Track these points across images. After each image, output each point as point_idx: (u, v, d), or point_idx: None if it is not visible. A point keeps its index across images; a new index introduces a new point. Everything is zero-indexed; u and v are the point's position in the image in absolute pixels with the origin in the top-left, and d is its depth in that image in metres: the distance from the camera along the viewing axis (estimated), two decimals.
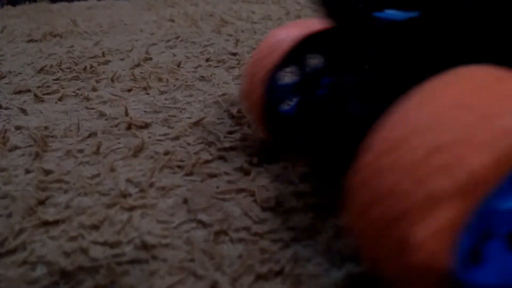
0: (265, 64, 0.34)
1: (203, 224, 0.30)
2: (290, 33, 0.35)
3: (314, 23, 0.35)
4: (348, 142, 0.26)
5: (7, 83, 0.59)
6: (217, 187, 0.35)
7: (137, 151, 0.39)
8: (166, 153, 0.39)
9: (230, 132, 0.44)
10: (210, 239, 0.28)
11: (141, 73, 0.62)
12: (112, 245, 0.28)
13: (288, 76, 0.38)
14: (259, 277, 0.25)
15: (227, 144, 0.41)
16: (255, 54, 0.36)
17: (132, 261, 0.27)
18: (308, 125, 0.31)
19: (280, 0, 1.30)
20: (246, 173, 0.37)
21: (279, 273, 0.26)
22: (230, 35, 0.87)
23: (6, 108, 0.50)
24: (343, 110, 0.28)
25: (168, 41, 0.82)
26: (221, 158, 0.39)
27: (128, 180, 0.35)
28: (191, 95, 0.53)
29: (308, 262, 0.26)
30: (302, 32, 0.34)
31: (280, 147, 0.38)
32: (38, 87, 0.57)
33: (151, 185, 0.34)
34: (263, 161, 0.38)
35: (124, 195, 0.33)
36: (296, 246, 0.28)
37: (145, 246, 0.28)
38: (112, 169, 0.36)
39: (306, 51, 0.34)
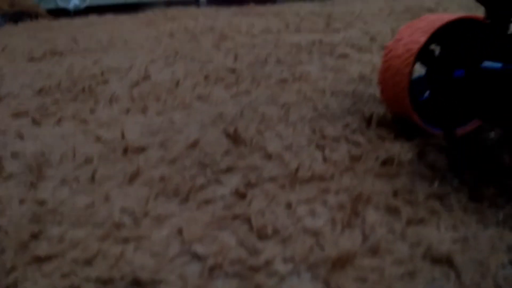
0: (405, 57, 0.42)
1: (197, 257, 0.29)
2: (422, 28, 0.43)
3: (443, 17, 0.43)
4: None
5: (5, 106, 0.59)
6: (213, 214, 0.34)
7: (133, 177, 0.39)
8: (162, 178, 0.39)
9: (226, 153, 0.43)
10: (204, 274, 0.28)
11: (139, 92, 0.62)
12: (105, 282, 0.27)
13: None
14: None
15: (223, 166, 0.41)
16: (392, 49, 0.44)
17: None
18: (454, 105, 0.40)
19: (280, 13, 1.30)
20: (242, 196, 0.36)
21: None
22: (230, 50, 0.87)
23: (4, 133, 0.50)
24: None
25: (167, 57, 0.82)
26: (217, 181, 0.39)
27: (123, 210, 0.34)
28: (188, 115, 0.53)
29: None
30: (431, 28, 0.42)
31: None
32: (36, 109, 0.57)
33: (146, 214, 0.34)
34: (260, 180, 0.38)
35: (118, 226, 0.32)
36: (293, 280, 0.27)
37: (138, 283, 0.27)
38: (107, 198, 0.36)
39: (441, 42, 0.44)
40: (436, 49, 0.44)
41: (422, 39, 0.41)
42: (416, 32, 0.42)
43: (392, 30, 0.99)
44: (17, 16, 1.48)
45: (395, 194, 0.35)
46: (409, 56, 0.42)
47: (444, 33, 0.42)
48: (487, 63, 0.35)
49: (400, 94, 0.43)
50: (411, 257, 0.29)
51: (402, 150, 0.42)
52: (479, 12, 0.41)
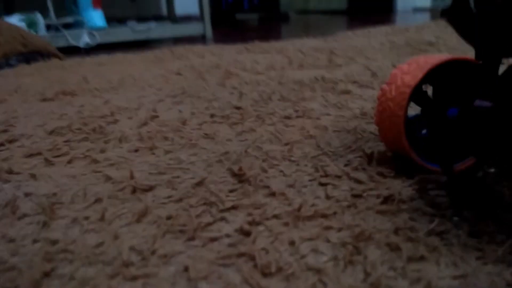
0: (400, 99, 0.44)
1: None
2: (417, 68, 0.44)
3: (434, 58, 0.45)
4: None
5: (19, 146, 0.62)
6: (218, 252, 0.35)
7: (141, 216, 0.40)
8: (169, 217, 0.40)
9: (232, 191, 0.45)
10: None
11: (148, 132, 0.64)
12: None
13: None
14: None
15: (228, 204, 0.42)
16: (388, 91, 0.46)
17: None
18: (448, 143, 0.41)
19: (283, 50, 1.33)
20: (247, 234, 0.37)
21: None
22: (235, 87, 0.90)
23: (17, 173, 0.52)
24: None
25: (174, 96, 0.85)
26: (223, 219, 0.40)
27: (131, 248, 0.36)
28: (195, 154, 0.55)
29: None
30: (425, 68, 0.43)
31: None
32: (49, 150, 0.59)
33: (153, 252, 0.35)
34: (264, 218, 0.39)
35: (127, 264, 0.33)
36: None
37: None
38: (116, 237, 0.37)
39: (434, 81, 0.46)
40: (429, 89, 0.46)
41: (413, 82, 0.43)
42: (407, 75, 0.44)
43: (393, 65, 1.02)
44: (30, 56, 1.53)
45: (396, 231, 0.36)
46: (402, 100, 0.44)
47: (436, 74, 0.44)
48: (479, 102, 0.36)
49: (397, 136, 0.45)
50: None
51: (402, 187, 0.43)
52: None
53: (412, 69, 0.44)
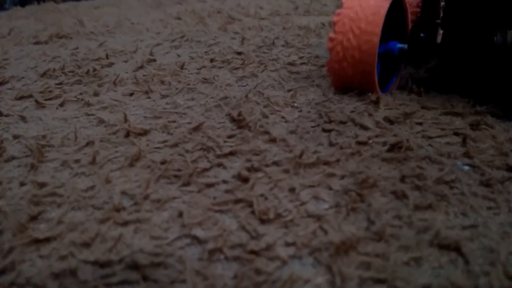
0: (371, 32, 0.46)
1: (197, 240, 0.29)
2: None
3: None
4: None
5: (9, 89, 0.59)
6: (214, 198, 0.33)
7: (134, 160, 0.38)
8: (163, 162, 0.38)
9: (230, 137, 0.42)
10: (204, 257, 0.27)
11: (143, 75, 0.61)
12: (103, 265, 0.27)
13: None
14: None
15: (226, 150, 0.40)
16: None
17: (123, 282, 0.26)
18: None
19: None
20: (245, 180, 0.35)
21: None
22: (237, 33, 0.85)
23: (7, 115, 0.50)
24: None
25: (173, 40, 0.81)
26: (220, 165, 0.38)
27: (123, 192, 0.34)
28: (192, 99, 0.52)
29: (307, 284, 0.25)
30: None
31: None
32: (40, 92, 0.56)
33: (146, 197, 0.33)
34: (263, 164, 0.37)
35: (118, 209, 0.32)
36: (295, 264, 0.27)
37: (136, 266, 0.27)
38: (108, 181, 0.35)
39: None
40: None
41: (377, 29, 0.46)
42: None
43: None
44: None
45: (403, 179, 0.34)
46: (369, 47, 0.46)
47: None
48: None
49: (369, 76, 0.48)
50: (418, 244, 0.28)
51: (410, 134, 0.41)
52: None
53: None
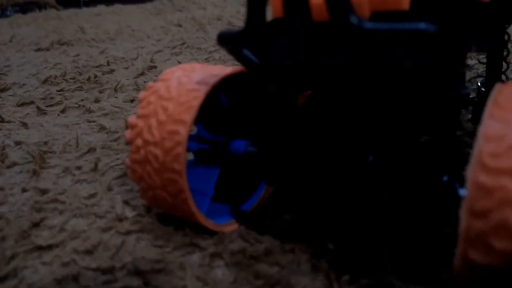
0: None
1: (198, 248, 0.29)
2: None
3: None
4: None
5: (11, 95, 0.59)
6: None
7: None
8: None
9: None
10: (205, 263, 0.27)
11: (144, 82, 0.61)
12: (105, 271, 0.27)
13: None
14: None
15: None
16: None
17: None
18: None
19: None
20: None
21: None
22: None
23: (9, 122, 0.50)
24: None
25: (174, 47, 0.81)
26: None
27: (125, 201, 0.34)
28: None
29: None
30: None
31: None
32: (42, 99, 0.57)
33: (149, 209, 0.33)
34: None
35: (121, 219, 0.32)
36: (293, 270, 0.27)
37: (138, 272, 0.27)
38: (109, 188, 0.36)
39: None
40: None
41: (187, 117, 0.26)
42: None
43: None
44: (26, 7, 1.48)
45: None
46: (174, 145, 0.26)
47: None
48: None
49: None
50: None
51: None
52: None
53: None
